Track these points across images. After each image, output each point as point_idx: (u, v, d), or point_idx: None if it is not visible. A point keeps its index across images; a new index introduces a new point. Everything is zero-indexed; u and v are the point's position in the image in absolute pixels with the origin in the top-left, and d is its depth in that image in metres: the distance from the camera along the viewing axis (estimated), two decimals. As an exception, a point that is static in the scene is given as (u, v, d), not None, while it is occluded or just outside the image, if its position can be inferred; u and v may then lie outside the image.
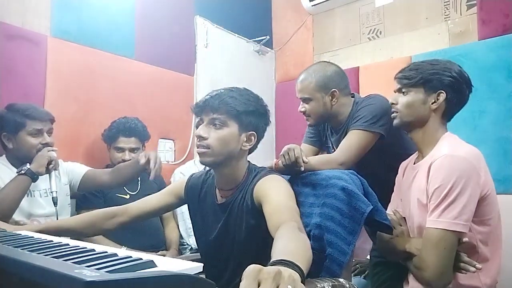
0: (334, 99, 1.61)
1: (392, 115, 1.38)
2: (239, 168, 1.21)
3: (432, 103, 1.29)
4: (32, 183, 1.58)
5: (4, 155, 1.67)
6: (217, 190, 1.27)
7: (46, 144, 1.62)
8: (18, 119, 1.59)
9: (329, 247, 1.27)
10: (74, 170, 1.80)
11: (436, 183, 1.17)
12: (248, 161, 1.26)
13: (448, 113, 1.33)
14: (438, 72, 1.28)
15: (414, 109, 1.31)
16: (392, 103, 1.37)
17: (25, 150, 1.60)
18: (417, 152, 1.40)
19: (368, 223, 1.35)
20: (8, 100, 1.70)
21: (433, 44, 2.47)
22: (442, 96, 1.28)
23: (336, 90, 1.60)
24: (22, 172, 1.50)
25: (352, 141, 1.52)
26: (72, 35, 2.07)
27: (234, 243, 1.21)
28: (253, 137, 1.19)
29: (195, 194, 1.32)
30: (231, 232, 1.21)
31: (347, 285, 1.17)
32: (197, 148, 1.17)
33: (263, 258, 1.20)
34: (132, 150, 2.04)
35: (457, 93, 1.29)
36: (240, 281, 0.55)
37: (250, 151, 1.25)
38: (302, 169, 1.37)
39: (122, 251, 0.71)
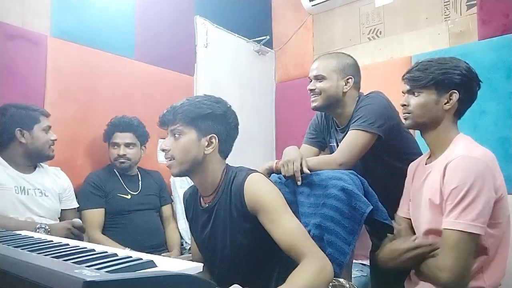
0: (347, 86, 1.62)
1: (404, 115, 1.35)
2: (212, 173, 1.20)
3: (445, 103, 1.27)
4: (28, 181, 1.62)
5: None
6: (200, 197, 1.29)
7: None
8: None
9: (329, 247, 1.27)
10: (66, 198, 1.81)
11: (453, 184, 1.14)
12: (226, 164, 1.25)
13: (459, 112, 1.31)
14: (448, 72, 1.26)
15: (427, 110, 1.28)
16: (404, 105, 1.33)
17: None
18: (427, 152, 1.38)
19: (368, 223, 1.35)
20: (8, 100, 1.70)
21: (433, 44, 2.46)
22: (455, 96, 1.26)
23: (352, 78, 1.63)
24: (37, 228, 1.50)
25: (351, 142, 1.52)
26: (72, 35, 2.07)
27: (231, 248, 1.19)
28: (214, 140, 1.18)
29: (190, 205, 1.35)
30: (222, 237, 1.21)
31: (347, 285, 1.17)
32: (165, 161, 1.20)
33: (267, 261, 1.21)
34: (127, 145, 2.02)
35: (468, 91, 1.28)
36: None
37: (224, 154, 1.23)
38: (299, 183, 1.39)
39: (122, 251, 0.71)
